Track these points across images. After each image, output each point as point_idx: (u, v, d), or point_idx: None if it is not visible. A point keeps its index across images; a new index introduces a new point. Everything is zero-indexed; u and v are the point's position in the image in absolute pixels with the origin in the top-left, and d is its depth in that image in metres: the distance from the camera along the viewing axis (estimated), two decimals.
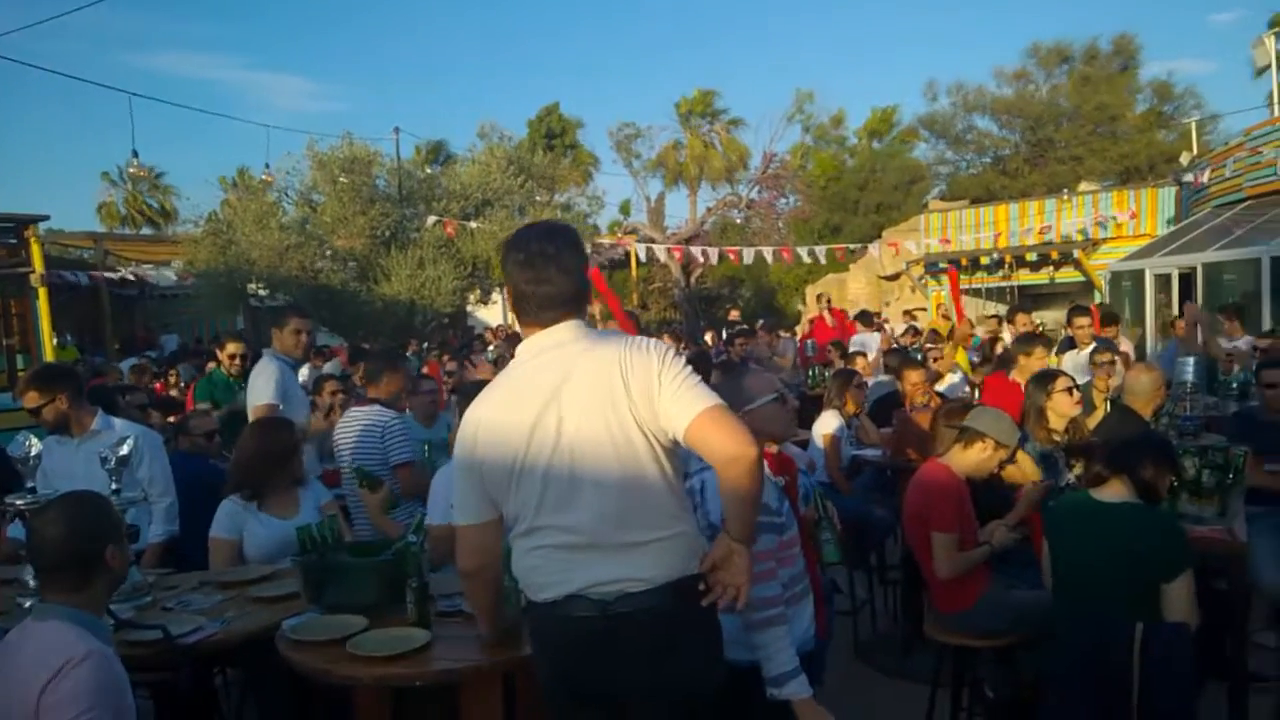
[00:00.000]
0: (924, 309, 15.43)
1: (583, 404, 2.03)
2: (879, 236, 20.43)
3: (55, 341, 7.01)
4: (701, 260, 19.19)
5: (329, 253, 16.06)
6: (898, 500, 5.28)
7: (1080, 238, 16.22)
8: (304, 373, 12.46)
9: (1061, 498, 3.56)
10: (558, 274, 2.12)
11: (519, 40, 63.05)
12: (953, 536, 3.47)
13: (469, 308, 19.50)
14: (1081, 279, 16.17)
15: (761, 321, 13.87)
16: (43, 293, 6.78)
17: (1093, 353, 5.82)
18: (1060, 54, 26.11)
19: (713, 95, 28.76)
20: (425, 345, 12.94)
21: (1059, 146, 25.11)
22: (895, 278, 20.20)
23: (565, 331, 2.13)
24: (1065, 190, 18.74)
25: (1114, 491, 3.07)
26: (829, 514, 3.03)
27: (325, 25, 67.08)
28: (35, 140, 59.64)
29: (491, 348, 10.76)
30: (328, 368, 12.02)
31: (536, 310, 2.14)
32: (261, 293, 16.57)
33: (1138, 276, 12.60)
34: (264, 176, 16.34)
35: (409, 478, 4.28)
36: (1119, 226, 15.85)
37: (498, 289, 17.69)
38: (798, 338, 12.34)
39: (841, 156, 29.77)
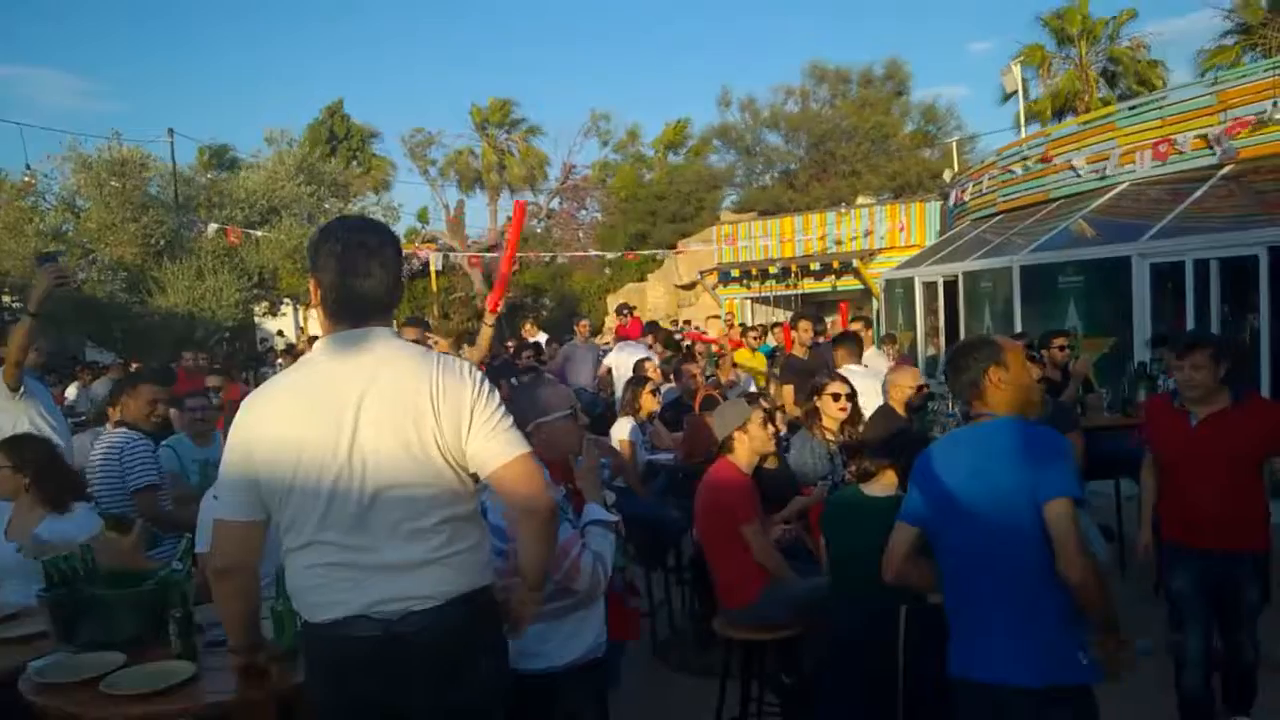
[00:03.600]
0: (717, 315, 16.12)
1: (383, 418, 1.95)
2: (675, 247, 21.22)
3: None
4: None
5: (95, 262, 14.71)
6: (691, 501, 5.52)
7: (858, 248, 17.54)
8: (71, 392, 11.31)
9: (836, 493, 3.82)
10: (378, 269, 2.01)
11: (303, 41, 60.13)
12: (757, 524, 3.66)
13: (256, 319, 18.40)
14: (861, 287, 17.47)
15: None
16: None
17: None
18: (841, 76, 28.18)
19: (510, 104, 28.86)
20: (206, 360, 12.07)
21: (840, 161, 27.05)
22: (691, 286, 21.04)
23: (372, 336, 2.02)
24: (844, 204, 20.23)
25: (883, 485, 3.29)
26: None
27: (92, 16, 60.98)
28: None
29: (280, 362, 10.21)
30: (96, 387, 10.96)
31: (345, 307, 2.01)
32: (15, 306, 14.96)
33: (908, 284, 13.73)
34: (25, 178, 14.75)
35: (147, 503, 4.00)
36: (892, 238, 17.28)
37: (287, 300, 16.83)
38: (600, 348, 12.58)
39: (640, 169, 30.66)
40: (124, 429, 4.22)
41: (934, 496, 2.53)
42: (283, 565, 2.13)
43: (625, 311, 12.91)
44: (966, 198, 14.56)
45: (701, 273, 19.64)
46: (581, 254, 16.46)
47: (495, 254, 20.85)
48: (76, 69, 63.97)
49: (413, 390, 1.99)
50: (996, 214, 13.20)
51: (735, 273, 19.25)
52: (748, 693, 3.81)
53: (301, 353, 14.76)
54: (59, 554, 2.79)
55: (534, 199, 28.93)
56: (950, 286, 12.40)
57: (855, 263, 17.28)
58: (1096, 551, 2.43)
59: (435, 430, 1.98)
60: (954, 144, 20.48)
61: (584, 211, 28.27)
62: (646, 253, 16.31)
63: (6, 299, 14.73)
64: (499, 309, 5.11)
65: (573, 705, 2.63)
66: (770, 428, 3.92)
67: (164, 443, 4.45)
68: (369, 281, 2.00)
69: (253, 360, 13.80)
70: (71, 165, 14.83)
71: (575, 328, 9.70)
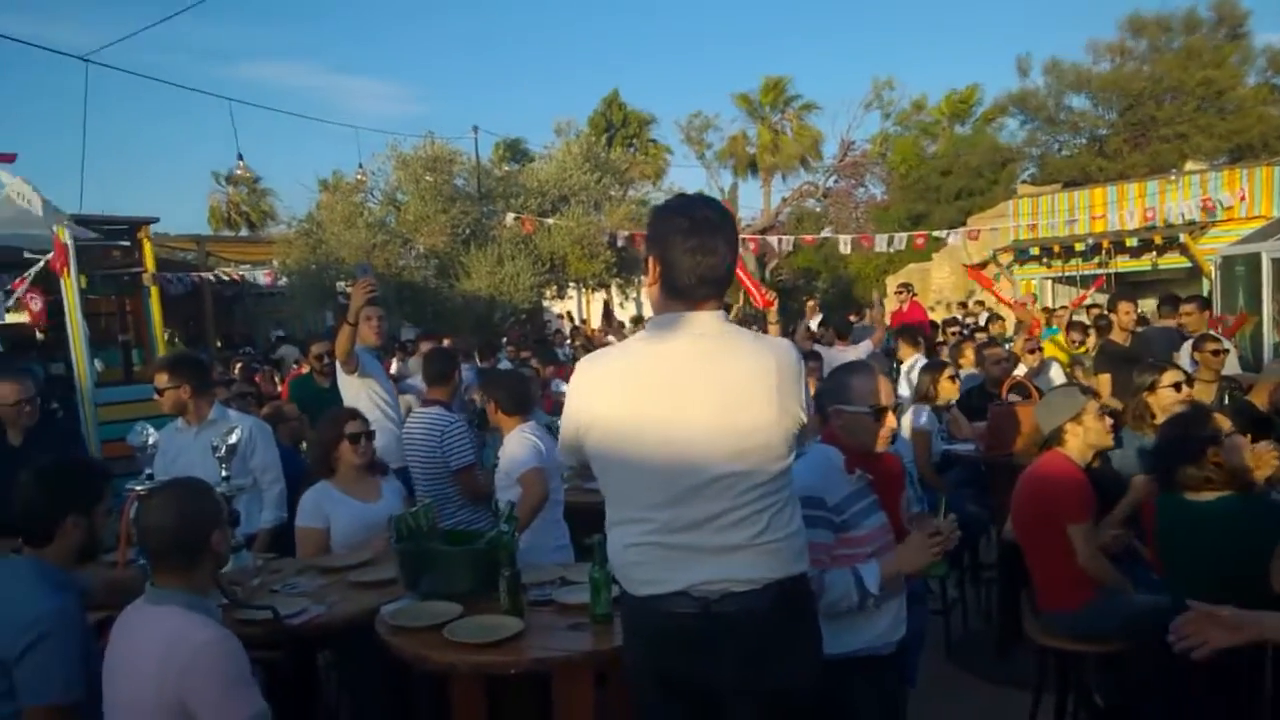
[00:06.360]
0: (1018, 298, 14.90)
1: (714, 400, 1.96)
2: (964, 224, 19.87)
3: (166, 336, 7.38)
4: (777, 250, 18.97)
5: (412, 250, 16.41)
6: (992, 497, 5.14)
7: (1186, 220, 15.45)
8: (393, 366, 12.81)
9: (1163, 498, 3.39)
10: (722, 245, 1.98)
11: (586, 35, 63.36)
12: (1088, 526, 3.34)
13: (545, 302, 19.71)
14: (1187, 265, 15.41)
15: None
16: (154, 291, 7.17)
17: (1198, 343, 5.52)
18: (1161, 25, 24.86)
19: (784, 82, 28.45)
20: (505, 340, 13.11)
21: (1161, 125, 23.93)
22: (983, 266, 19.61)
23: (713, 320, 2.01)
24: (1173, 171, 17.84)
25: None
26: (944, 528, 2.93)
27: (406, 29, 68.64)
28: (136, 146, 62.70)
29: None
30: (412, 363, 12.31)
31: (693, 285, 1.98)
32: (348, 290, 16.99)
33: (1252, 261, 11.84)
34: (358, 176, 16.80)
35: (469, 481, 4.29)
36: (1229, 209, 15.04)
37: (572, 284, 17.81)
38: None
39: (922, 143, 29.04)
40: (439, 408, 4.46)
41: None
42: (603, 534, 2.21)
43: (904, 291, 12.33)
44: None
45: (995, 251, 18.24)
46: (864, 237, 15.83)
47: (769, 235, 20.72)
48: (396, 77, 72.24)
49: (745, 373, 1.98)
50: None
51: (1034, 250, 17.67)
52: (1063, 707, 3.49)
53: (599, 333, 15.58)
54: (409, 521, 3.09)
55: (808, 178, 28.42)
56: None
57: (1182, 237, 15.24)
58: None
59: (765, 414, 1.97)
60: None
61: (862, 189, 27.31)
62: (937, 234, 15.36)
63: (342, 284, 16.75)
64: (773, 302, 5.10)
65: (856, 698, 2.51)
66: (1107, 420, 3.52)
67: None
68: (712, 259, 1.98)
69: (541, 342, 14.73)
70: (393, 163, 16.61)
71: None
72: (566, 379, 6.94)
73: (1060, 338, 8.71)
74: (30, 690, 2.26)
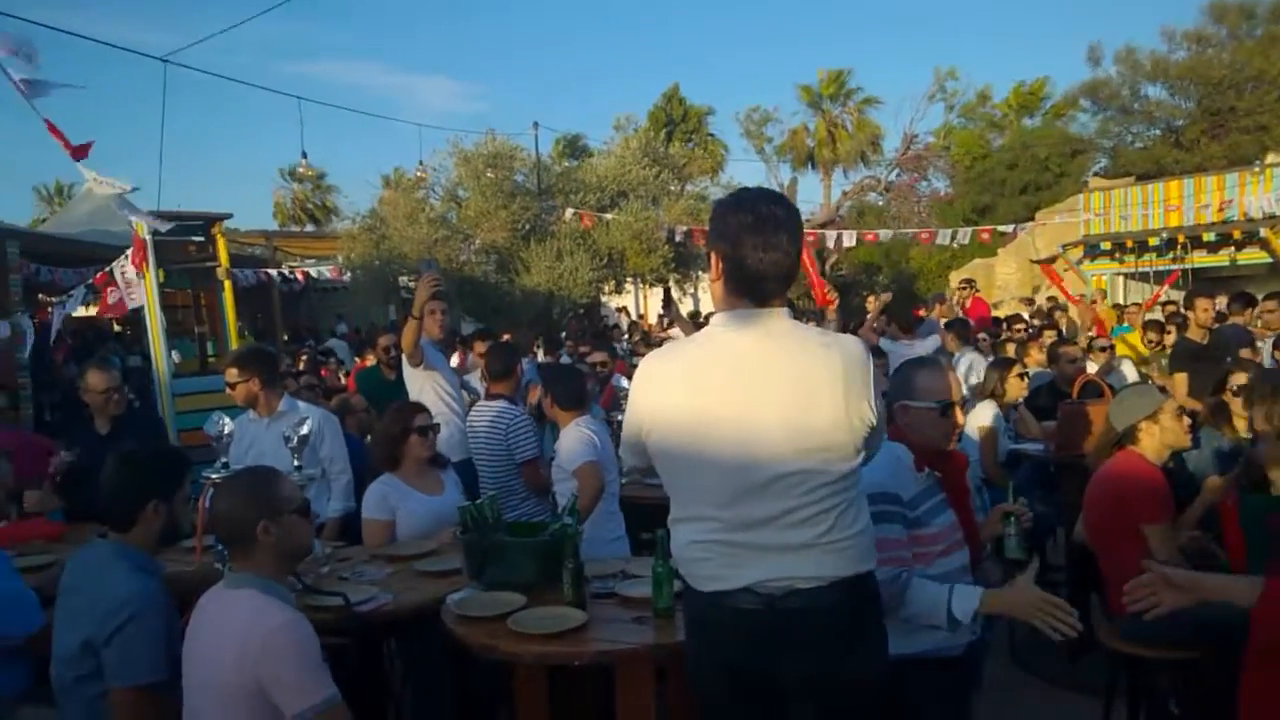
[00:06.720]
0: (1082, 295, 14.48)
1: (782, 400, 1.94)
2: (1031, 218, 19.36)
3: (238, 328, 7.63)
4: (835, 247, 18.73)
5: (473, 246, 16.61)
6: (1061, 496, 5.01)
7: (1266, 215, 14.83)
8: (454, 359, 12.99)
9: (1252, 498, 3.27)
10: (787, 241, 1.95)
11: (648, 31, 63.35)
12: (1165, 527, 3.24)
13: (603, 297, 19.78)
14: (1268, 260, 14.81)
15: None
16: (228, 285, 7.40)
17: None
18: (1244, 11, 23.86)
19: (845, 75, 28.07)
20: (563, 335, 13.18)
21: (1241, 115, 22.97)
22: (1050, 261, 19.09)
23: (774, 315, 1.99)
24: (1257, 162, 17.12)
25: None
26: (1017, 510, 2.87)
27: (469, 28, 69.51)
28: (206, 143, 64.69)
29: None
30: (473, 358, 12.45)
31: (758, 282, 1.96)
32: (411, 285, 17.32)
33: None
34: (418, 173, 17.06)
35: (532, 473, 4.36)
36: None
37: (630, 279, 17.83)
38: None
39: (988, 135, 28.36)
40: (504, 401, 4.54)
41: None
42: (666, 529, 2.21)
43: (966, 287, 12.08)
44: None
45: (1064, 246, 17.74)
46: (927, 232, 15.51)
47: (827, 230, 20.46)
48: (458, 75, 73.21)
49: (813, 371, 1.96)
50: None
51: (1105, 245, 17.15)
52: (1135, 716, 3.39)
53: (658, 329, 15.51)
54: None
55: (868, 172, 27.98)
56: None
57: (1262, 232, 14.63)
58: None
59: (833, 413, 1.95)
60: None
61: (924, 183, 26.76)
62: (1003, 229, 14.98)
63: (404, 279, 17.02)
64: (834, 301, 5.07)
65: (921, 699, 2.48)
66: (1185, 420, 3.41)
67: None
68: (777, 254, 1.95)
69: (600, 336, 14.79)
70: (454, 160, 16.83)
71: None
72: (624, 374, 6.97)
73: (1134, 337, 8.45)
74: (117, 671, 2.35)
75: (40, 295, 11.85)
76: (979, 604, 2.32)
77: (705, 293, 24.08)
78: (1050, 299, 14.81)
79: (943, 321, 8.07)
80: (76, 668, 2.41)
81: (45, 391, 12.46)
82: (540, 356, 8.89)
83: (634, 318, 22.34)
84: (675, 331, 9.19)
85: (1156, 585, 1.96)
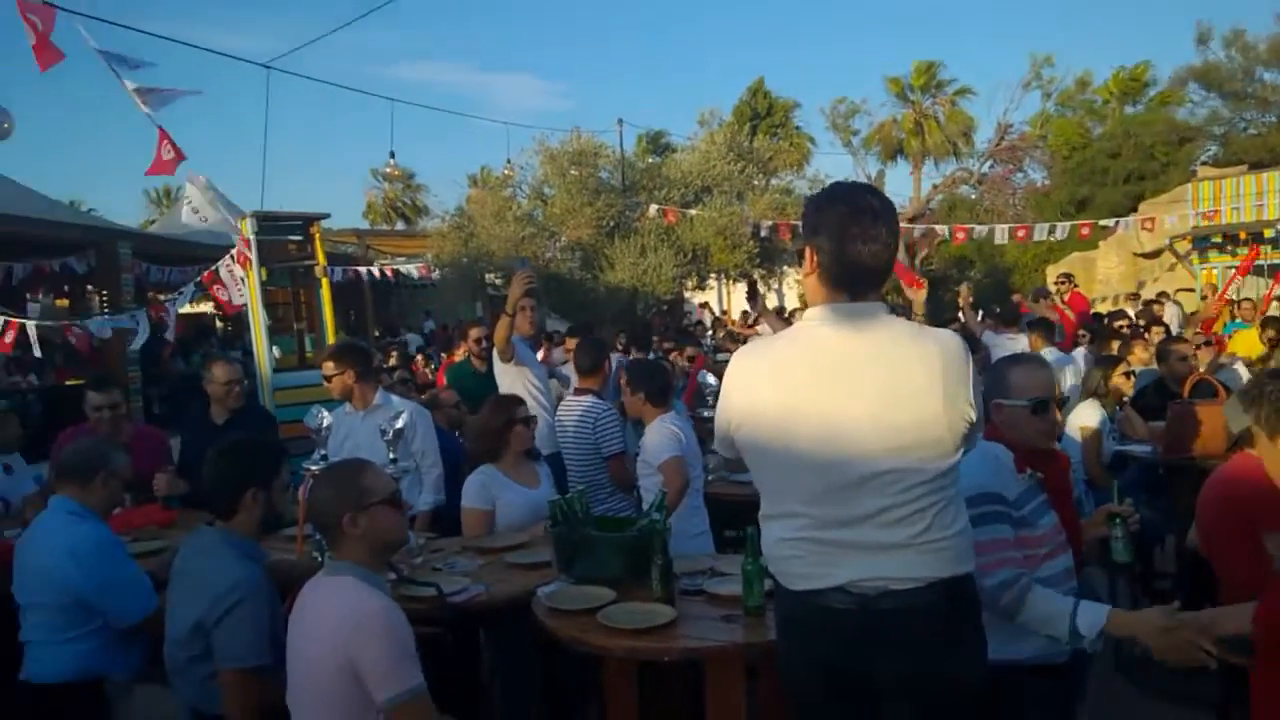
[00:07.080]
0: (1190, 290, 13.79)
1: (881, 397, 1.90)
2: (1134, 209, 18.51)
3: (335, 324, 7.90)
4: (926, 241, 18.28)
5: (559, 243, 16.79)
6: (1169, 501, 4.77)
7: None
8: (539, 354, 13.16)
9: None
10: (885, 234, 1.91)
11: (733, 24, 62.99)
12: None
13: (686, 293, 19.75)
14: None
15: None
16: (325, 282, 7.67)
17: None
18: None
19: (936, 66, 27.35)
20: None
21: None
22: (1156, 255, 18.23)
23: (872, 310, 1.95)
24: None
25: None
26: (1124, 511, 2.76)
27: (554, 26, 70.39)
28: (303, 145, 67.17)
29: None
30: (556, 353, 12.59)
31: (848, 276, 1.93)
32: (498, 282, 17.63)
33: None
34: (505, 171, 17.34)
35: (618, 468, 4.36)
36: None
37: (713, 275, 17.75)
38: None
39: (1086, 123, 27.19)
40: (592, 396, 4.54)
41: None
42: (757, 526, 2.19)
43: (1064, 282, 11.63)
44: None
45: (1171, 239, 16.91)
46: (1022, 228, 14.94)
47: (916, 224, 20.01)
48: (544, 74, 74.21)
49: (909, 367, 1.91)
50: None
51: (1217, 238, 16.31)
52: None
53: (743, 325, 15.39)
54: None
55: (959, 164, 27.19)
56: None
57: None
58: None
59: (930, 409, 1.90)
60: None
61: (1020, 174, 25.81)
62: (1104, 223, 14.37)
63: (491, 276, 17.32)
64: (924, 284, 4.96)
65: (1022, 706, 2.38)
66: None
67: None
68: (874, 247, 1.91)
69: (682, 332, 14.76)
70: (540, 158, 17.04)
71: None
72: (708, 370, 6.95)
73: (1252, 333, 8.00)
74: (224, 654, 2.45)
75: (150, 293, 12.50)
76: (1105, 622, 2.21)
77: (790, 288, 23.83)
78: (1161, 293, 14.14)
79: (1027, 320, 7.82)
80: (188, 649, 2.53)
81: (154, 385, 13.17)
82: (631, 353, 8.92)
83: (717, 314, 22.24)
84: (762, 327, 9.12)
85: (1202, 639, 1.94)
